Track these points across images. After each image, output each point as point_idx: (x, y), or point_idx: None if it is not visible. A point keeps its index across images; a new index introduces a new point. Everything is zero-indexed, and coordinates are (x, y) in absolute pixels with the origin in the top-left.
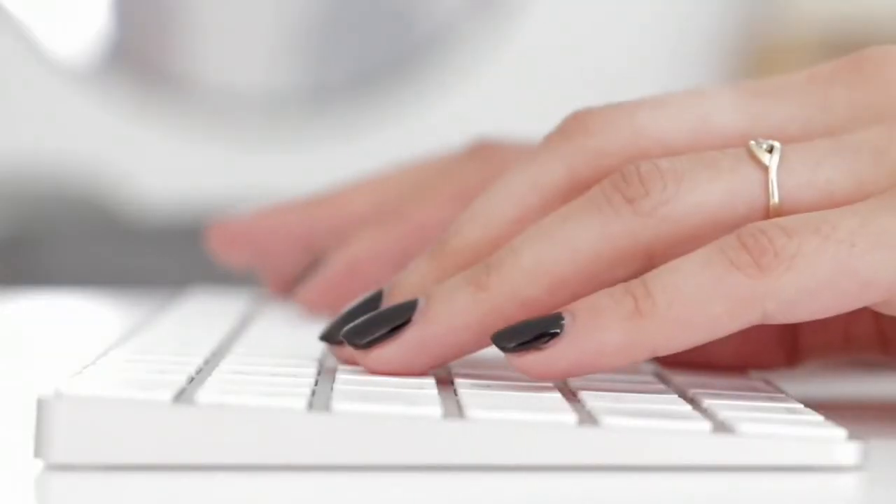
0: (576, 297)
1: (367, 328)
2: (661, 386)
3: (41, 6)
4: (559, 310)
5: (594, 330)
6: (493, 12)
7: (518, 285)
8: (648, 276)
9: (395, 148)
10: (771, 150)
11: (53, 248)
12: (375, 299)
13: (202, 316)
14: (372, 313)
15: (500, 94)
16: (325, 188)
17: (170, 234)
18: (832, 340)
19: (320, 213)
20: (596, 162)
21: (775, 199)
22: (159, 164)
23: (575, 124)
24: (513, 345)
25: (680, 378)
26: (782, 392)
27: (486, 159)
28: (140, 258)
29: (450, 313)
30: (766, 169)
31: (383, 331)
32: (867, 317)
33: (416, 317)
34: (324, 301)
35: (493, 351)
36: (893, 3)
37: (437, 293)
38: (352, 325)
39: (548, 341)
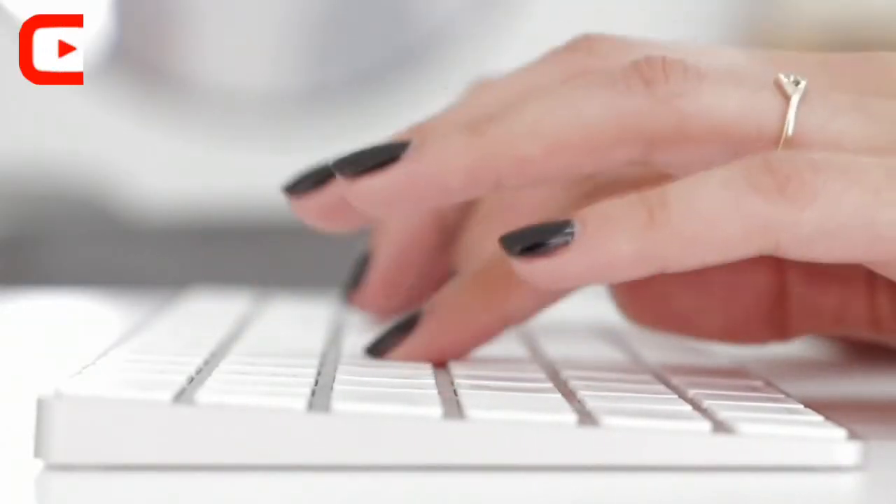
0: (570, 166)
1: (357, 158)
2: (661, 386)
3: (41, 6)
4: (569, 216)
5: (605, 238)
6: (494, 11)
7: (516, 139)
8: (667, 187)
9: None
10: (797, 84)
11: (53, 248)
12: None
13: (202, 316)
14: (364, 147)
15: None
16: None
17: (170, 234)
18: (823, 322)
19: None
20: None
21: (789, 131)
22: (160, 165)
23: (584, 42)
24: (519, 248)
25: (680, 378)
26: (782, 392)
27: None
28: (140, 258)
29: (441, 153)
30: (787, 99)
31: (373, 163)
32: (860, 302)
33: (408, 153)
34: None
35: (492, 351)
36: (894, 3)
37: (433, 133)
38: (344, 155)
39: (557, 247)
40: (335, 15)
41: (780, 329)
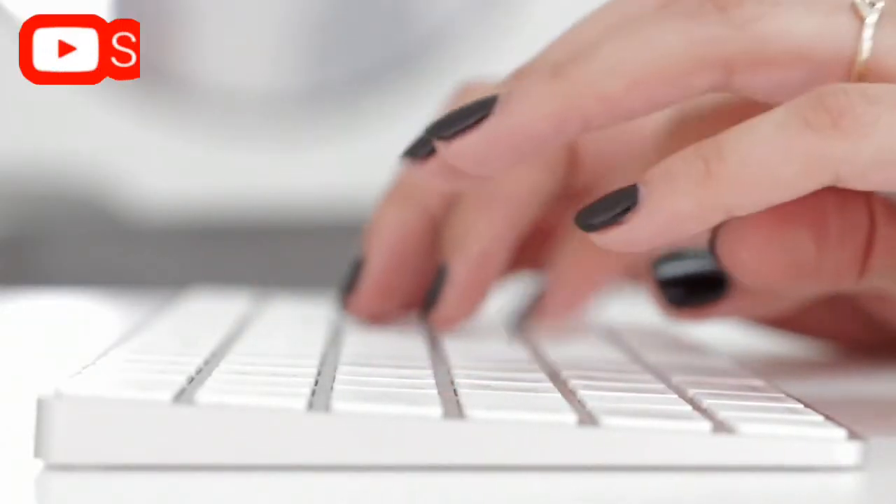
0: (653, 100)
1: (450, 121)
2: (661, 386)
3: (41, 6)
4: (635, 181)
5: (667, 197)
6: (494, 12)
7: (597, 78)
8: (722, 136)
9: (396, 148)
10: (873, 5)
11: (53, 248)
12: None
13: (202, 316)
14: (455, 109)
15: None
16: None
17: (170, 234)
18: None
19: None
20: None
21: (863, 55)
22: (160, 165)
23: None
24: (594, 223)
25: (680, 378)
26: (782, 392)
27: None
28: (140, 258)
29: (528, 103)
30: (862, 21)
31: (465, 123)
32: None
33: (496, 108)
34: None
35: (492, 351)
36: None
37: (518, 85)
38: (436, 120)
39: (625, 215)
40: (335, 15)
41: (857, 278)
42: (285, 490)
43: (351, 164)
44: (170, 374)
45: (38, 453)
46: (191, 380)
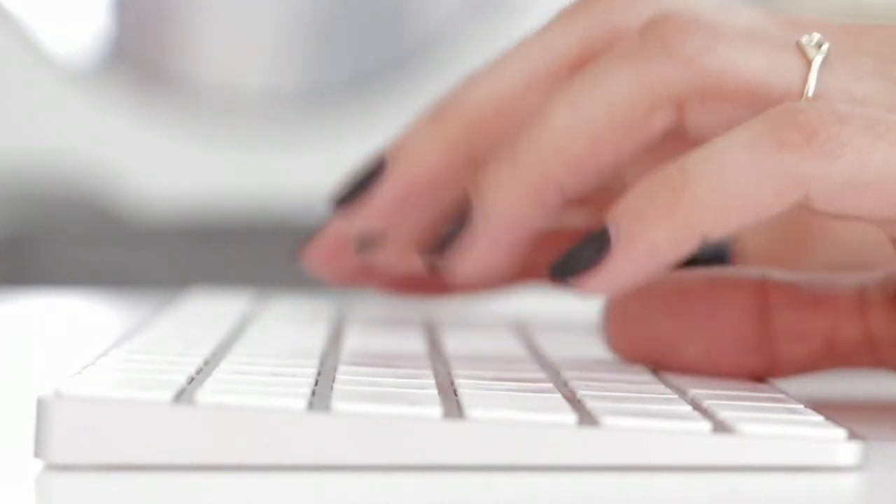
0: (617, 152)
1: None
2: (661, 386)
3: (41, 6)
4: (602, 222)
5: (640, 233)
6: (493, 12)
7: (557, 147)
8: (687, 160)
9: None
10: (819, 47)
11: (53, 248)
12: (377, 167)
13: (202, 316)
14: (453, 229)
15: None
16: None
17: (170, 234)
18: (814, 349)
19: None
20: (612, 36)
21: (809, 94)
22: (159, 164)
23: None
24: (569, 271)
25: (680, 378)
26: (782, 392)
27: None
28: (140, 258)
29: (503, 206)
30: (808, 63)
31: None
32: (852, 321)
33: (477, 221)
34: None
35: (493, 351)
36: (894, 3)
37: (482, 187)
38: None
39: (601, 258)
40: (335, 15)
41: (767, 357)
42: (285, 490)
43: (351, 165)
44: (170, 374)
45: (38, 453)
46: (191, 380)
